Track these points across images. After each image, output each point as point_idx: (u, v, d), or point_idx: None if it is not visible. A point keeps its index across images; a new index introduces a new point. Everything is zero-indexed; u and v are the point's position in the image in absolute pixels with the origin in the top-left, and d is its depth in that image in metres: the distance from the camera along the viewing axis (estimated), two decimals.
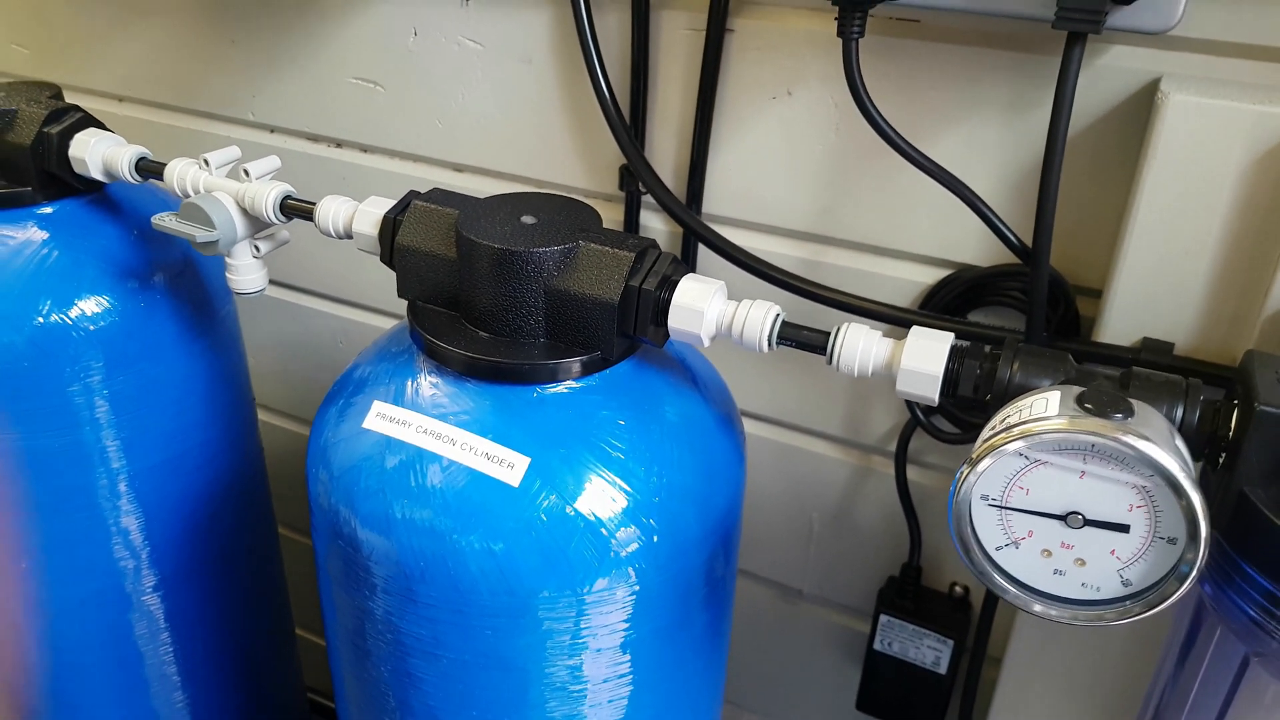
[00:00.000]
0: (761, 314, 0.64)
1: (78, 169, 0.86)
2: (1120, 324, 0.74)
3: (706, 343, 0.66)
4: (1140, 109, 0.71)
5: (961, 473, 0.51)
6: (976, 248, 0.82)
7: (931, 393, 0.60)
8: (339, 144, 1.07)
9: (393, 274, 0.73)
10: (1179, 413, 0.55)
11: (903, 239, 0.85)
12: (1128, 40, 0.71)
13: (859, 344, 0.62)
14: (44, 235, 0.88)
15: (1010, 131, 0.77)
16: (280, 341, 1.23)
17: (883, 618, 0.97)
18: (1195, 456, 0.55)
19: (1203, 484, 0.54)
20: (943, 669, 0.96)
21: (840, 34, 0.66)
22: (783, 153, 0.86)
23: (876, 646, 0.98)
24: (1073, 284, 0.79)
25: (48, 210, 0.89)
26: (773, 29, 0.82)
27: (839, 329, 0.63)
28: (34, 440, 0.90)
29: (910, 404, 0.88)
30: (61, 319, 0.87)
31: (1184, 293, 0.71)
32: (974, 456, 0.51)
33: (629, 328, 0.66)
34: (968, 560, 0.53)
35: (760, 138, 0.86)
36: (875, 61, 0.78)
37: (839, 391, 0.93)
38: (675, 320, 0.65)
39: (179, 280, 0.94)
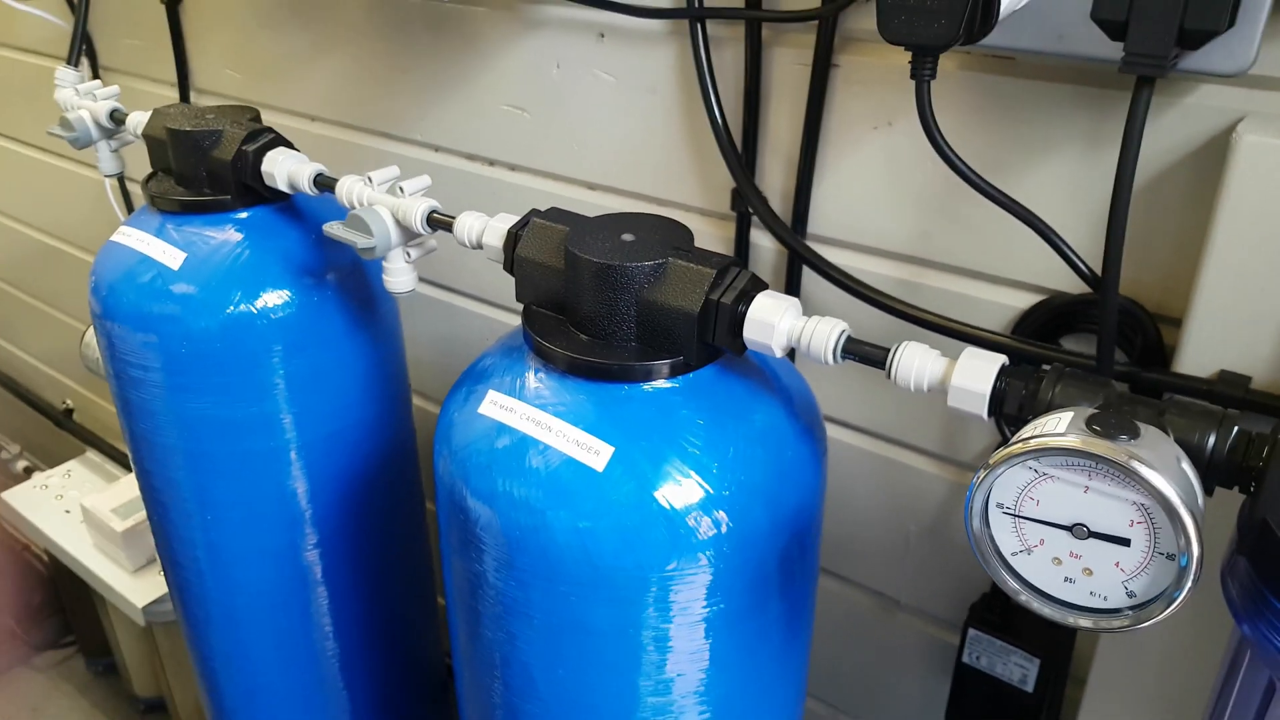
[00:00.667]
0: (828, 329, 0.71)
1: (268, 182, 1.01)
2: (1199, 356, 0.75)
3: (779, 353, 0.73)
4: (1223, 145, 0.73)
5: (977, 477, 0.56)
6: (1068, 275, 0.85)
7: (979, 409, 0.65)
8: (491, 163, 1.19)
9: None
10: (1209, 440, 0.58)
11: (997, 264, 0.89)
12: (1212, 79, 0.73)
13: (915, 361, 0.68)
14: (239, 237, 1.04)
15: (1093, 165, 0.79)
16: (436, 336, 1.36)
17: (971, 632, 0.99)
18: (1226, 485, 0.58)
19: (1240, 513, 0.57)
20: (1029, 686, 0.98)
21: (913, 76, 0.71)
22: (883, 179, 0.91)
23: (965, 660, 1.01)
24: (1159, 314, 0.81)
25: (242, 216, 1.05)
26: (874, 65, 0.88)
27: (897, 346, 0.69)
28: (223, 410, 1.06)
29: (999, 423, 0.91)
30: (249, 309, 1.02)
31: (1261, 328, 0.72)
32: (989, 463, 0.55)
33: (708, 336, 0.74)
34: (982, 561, 0.58)
35: (862, 165, 0.92)
36: (969, 96, 0.82)
37: (937, 410, 0.97)
38: (749, 332, 0.73)
39: (348, 280, 1.08)
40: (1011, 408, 0.64)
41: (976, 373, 0.65)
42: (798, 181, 0.95)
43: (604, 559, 0.73)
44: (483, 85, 1.15)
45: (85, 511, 1.87)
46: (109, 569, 1.85)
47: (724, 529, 0.74)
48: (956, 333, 0.85)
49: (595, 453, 0.73)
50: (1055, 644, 0.96)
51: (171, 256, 1.02)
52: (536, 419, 0.76)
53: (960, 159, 0.74)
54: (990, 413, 0.64)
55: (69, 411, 2.28)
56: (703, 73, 0.94)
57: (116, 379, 1.11)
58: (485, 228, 0.86)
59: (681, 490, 0.73)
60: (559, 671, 0.80)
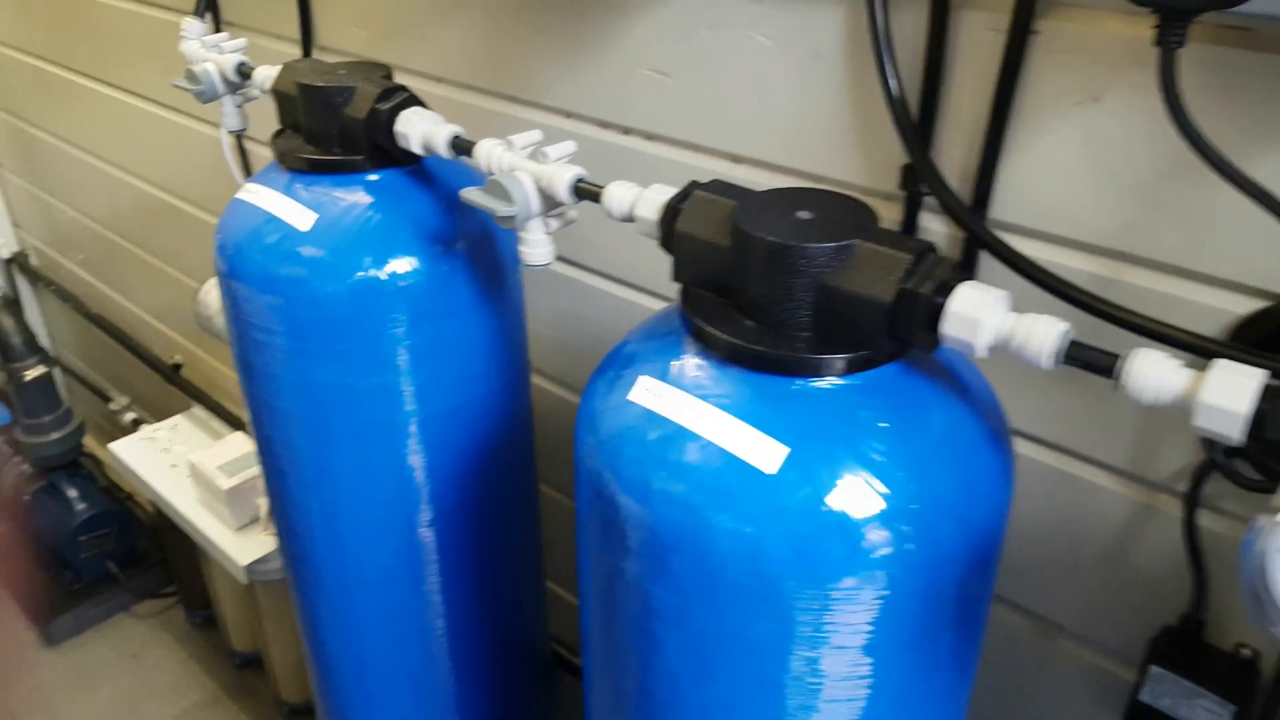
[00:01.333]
0: (1047, 328, 0.62)
1: (400, 143, 0.96)
2: None
3: (981, 353, 0.65)
4: None
5: (1261, 523, 0.47)
6: None
7: (1234, 431, 0.56)
8: (626, 131, 1.12)
9: (665, 258, 0.77)
10: None
11: (1213, 262, 0.79)
12: None
13: (1152, 371, 0.59)
14: (369, 200, 0.99)
15: None
16: (557, 312, 1.31)
17: (1154, 669, 0.89)
18: None
19: None
20: None
21: (1158, 43, 0.61)
22: (1084, 161, 0.82)
23: (1143, 699, 0.91)
24: None
25: (373, 178, 1.00)
26: (1082, 32, 0.78)
27: (1131, 353, 0.60)
28: (347, 378, 1.02)
29: (1208, 443, 0.81)
30: (378, 275, 0.97)
31: None
32: (1276, 506, 0.47)
33: (899, 330, 0.66)
34: (1260, 621, 0.49)
35: (1059, 144, 0.82)
36: (1195, 71, 0.72)
37: (1126, 420, 0.87)
38: (949, 327, 0.64)
39: (477, 249, 1.03)
40: (1275, 433, 0.55)
41: (1232, 389, 0.56)
42: (981, 161, 0.86)
43: (772, 569, 0.66)
44: (623, 47, 1.07)
45: (192, 467, 1.88)
46: (213, 525, 1.86)
47: (908, 546, 0.66)
48: (1168, 338, 0.74)
49: (767, 452, 0.66)
50: (1254, 691, 0.86)
51: (302, 217, 0.98)
52: (697, 410, 0.69)
53: (1206, 139, 0.65)
54: (1247, 436, 0.55)
55: (177, 367, 2.30)
56: (877, 38, 0.85)
57: (239, 341, 1.08)
58: (639, 199, 0.79)
59: (862, 500, 0.65)
60: (709, 686, 0.73)
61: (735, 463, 0.67)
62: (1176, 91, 0.64)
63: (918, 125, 0.87)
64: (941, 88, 0.86)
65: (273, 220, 1.00)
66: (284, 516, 1.20)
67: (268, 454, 1.15)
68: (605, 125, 1.14)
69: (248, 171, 1.68)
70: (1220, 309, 0.79)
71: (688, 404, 0.70)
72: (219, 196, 1.85)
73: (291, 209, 0.99)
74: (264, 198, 1.01)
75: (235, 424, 2.05)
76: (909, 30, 0.86)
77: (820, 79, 0.93)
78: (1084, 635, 0.97)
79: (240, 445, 1.90)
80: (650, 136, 1.10)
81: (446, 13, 1.23)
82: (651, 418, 0.71)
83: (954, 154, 0.88)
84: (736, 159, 1.04)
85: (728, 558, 0.67)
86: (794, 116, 0.97)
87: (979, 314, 0.63)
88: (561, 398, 1.38)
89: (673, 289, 0.77)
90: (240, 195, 1.05)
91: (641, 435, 0.71)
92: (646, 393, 0.73)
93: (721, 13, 0.98)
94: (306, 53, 1.42)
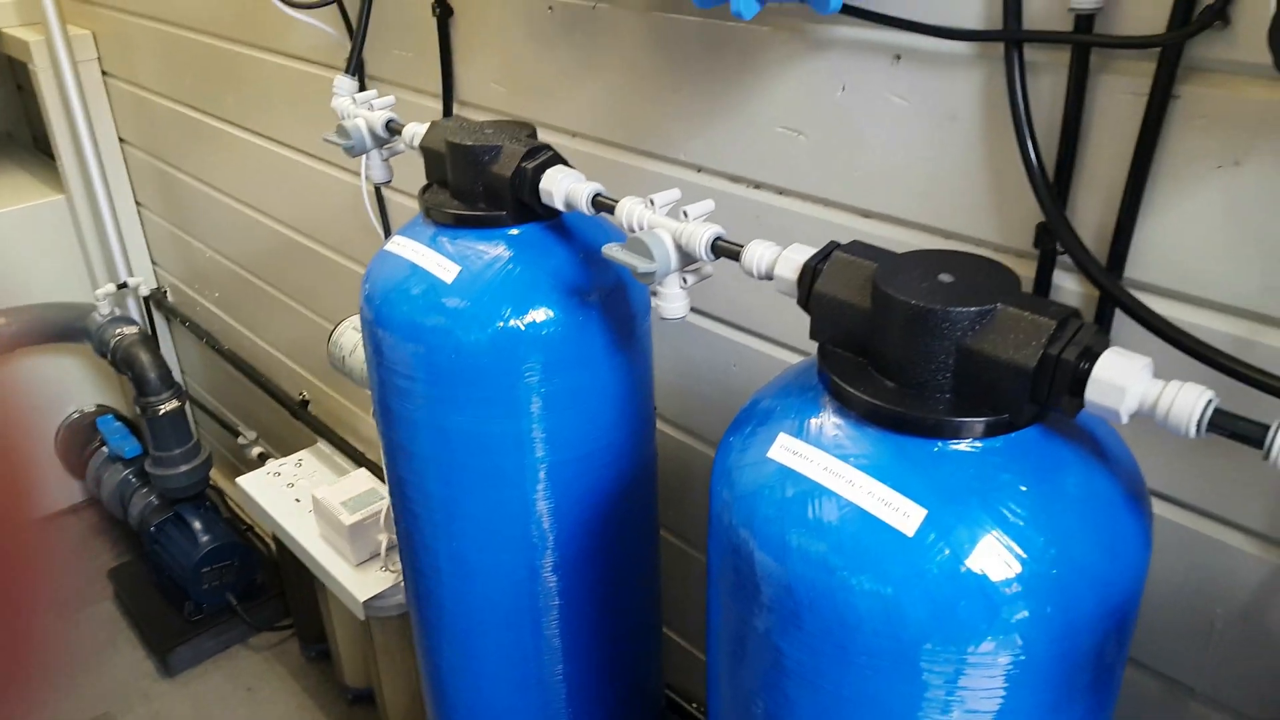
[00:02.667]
0: (1193, 398, 0.62)
1: (544, 199, 1.00)
2: None
3: (1125, 419, 0.65)
4: None
5: None
6: None
7: None
8: (757, 186, 1.15)
9: (795, 308, 0.79)
10: None
11: None
12: None
13: None
14: (510, 253, 1.04)
15: None
16: (681, 359, 1.33)
17: None
18: None
19: None
20: None
21: None
22: (1223, 224, 0.81)
23: None
24: None
25: (515, 232, 1.05)
26: (1223, 97, 0.78)
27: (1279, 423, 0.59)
28: (483, 425, 1.06)
29: None
30: (517, 324, 1.01)
31: None
32: None
33: (1042, 395, 0.66)
34: None
35: (1199, 206, 0.82)
36: None
37: (1265, 481, 0.86)
38: (1094, 394, 0.65)
39: (610, 300, 1.06)
40: None
41: None
42: (1118, 221, 0.86)
43: (908, 631, 0.67)
44: (757, 106, 1.10)
45: (315, 502, 1.95)
46: (333, 560, 1.92)
47: (1047, 610, 0.66)
48: None
49: (905, 514, 0.67)
50: None
51: (446, 269, 1.03)
52: (836, 470, 0.71)
53: None
54: None
55: (305, 402, 2.40)
56: (1016, 100, 0.86)
57: (380, 386, 1.13)
58: (778, 258, 0.82)
59: (1001, 563, 0.65)
60: None
61: (874, 523, 0.68)
62: None
63: (1054, 184, 0.87)
64: (1079, 148, 0.87)
65: (418, 271, 1.05)
66: (412, 557, 1.24)
67: (400, 495, 1.20)
68: (736, 179, 1.17)
69: (385, 220, 1.76)
70: None
71: (827, 463, 0.71)
72: (355, 241, 1.95)
73: (437, 261, 1.04)
74: (411, 250, 1.07)
75: (359, 460, 2.13)
76: (1046, 93, 0.87)
77: (955, 138, 0.95)
78: (1216, 699, 0.95)
79: (363, 482, 1.97)
80: (781, 191, 1.13)
81: (584, 71, 1.29)
82: (790, 475, 0.73)
83: (1090, 214, 0.88)
84: (866, 214, 1.06)
85: (864, 618, 0.68)
86: (927, 174, 0.98)
87: (1125, 381, 0.64)
88: (681, 442, 1.40)
89: (797, 339, 0.78)
90: (388, 247, 1.11)
91: (779, 492, 0.73)
92: (784, 450, 0.74)
93: (858, 74, 1.00)
94: (447, 107, 1.49)
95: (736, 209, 1.16)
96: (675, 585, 1.41)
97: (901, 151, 0.99)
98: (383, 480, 1.96)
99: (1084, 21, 0.81)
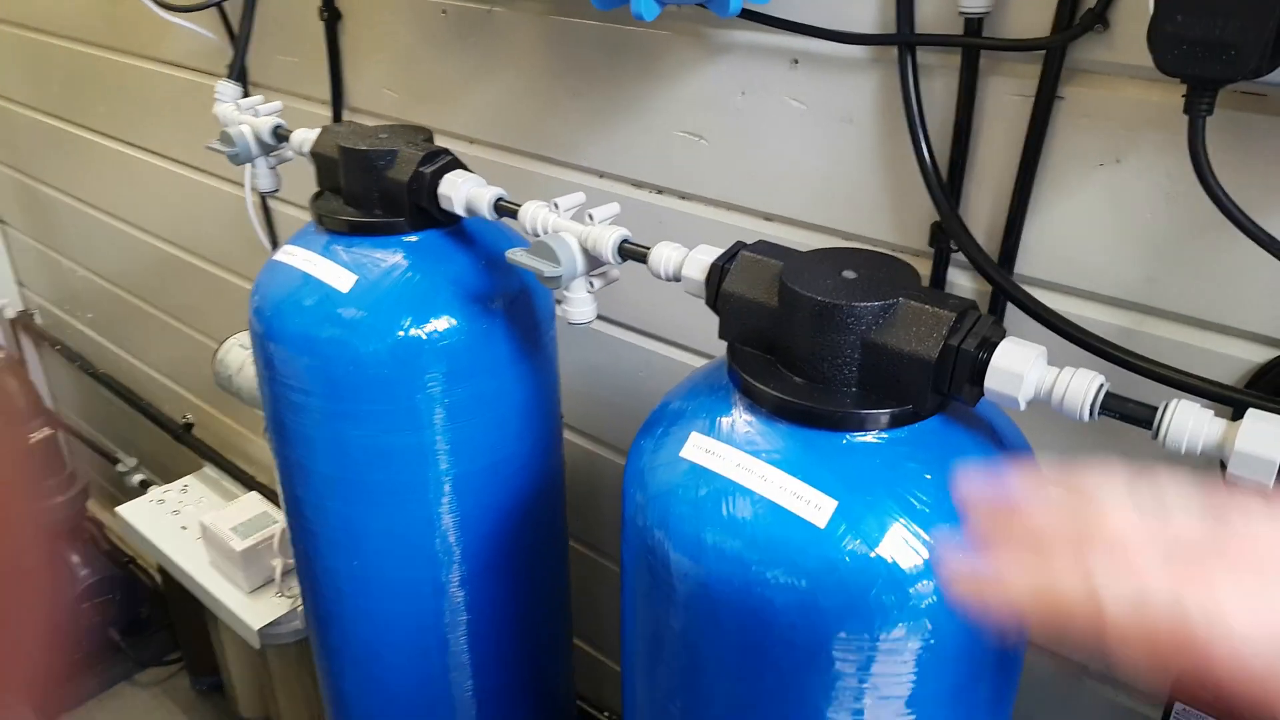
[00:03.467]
0: (1085, 383, 0.64)
1: (444, 205, 0.98)
2: None
3: (1023, 406, 0.67)
4: None
5: None
6: None
7: (1267, 478, 0.58)
8: (659, 190, 1.15)
9: (701, 313, 0.79)
10: None
11: (1232, 314, 0.81)
12: None
13: (1189, 422, 0.61)
14: (409, 261, 1.01)
15: None
16: (588, 366, 1.33)
17: (1177, 706, 0.91)
18: None
19: None
20: None
21: (1187, 111, 0.65)
22: (1107, 219, 0.85)
23: None
24: None
25: (413, 239, 1.03)
26: (1106, 98, 0.82)
27: (1168, 405, 0.62)
28: (384, 437, 1.03)
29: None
30: (418, 334, 0.99)
31: None
32: None
33: (944, 385, 0.68)
34: None
35: (1083, 203, 0.85)
36: (1214, 134, 0.76)
37: (1150, 463, 0.89)
38: (992, 382, 0.67)
39: (514, 306, 1.05)
40: None
41: (1266, 438, 0.59)
42: (1008, 219, 0.89)
43: (823, 621, 0.67)
44: (658, 110, 1.11)
45: (204, 529, 1.87)
46: (225, 588, 1.84)
47: None
48: (1190, 387, 0.77)
49: (817, 507, 0.68)
50: None
51: (341, 278, 1.00)
52: (749, 466, 0.71)
53: (1231, 199, 0.68)
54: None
55: (189, 426, 2.30)
56: (910, 102, 0.88)
57: (273, 402, 1.09)
58: (685, 259, 0.82)
59: (910, 550, 0.67)
60: None
61: (786, 516, 0.68)
62: (1205, 155, 0.67)
63: (947, 185, 0.90)
64: (970, 149, 0.90)
65: (312, 281, 1.01)
66: (311, 579, 1.20)
67: (297, 516, 1.16)
68: (639, 185, 1.17)
69: (272, 231, 1.71)
70: (1239, 358, 0.82)
71: (739, 460, 0.71)
72: (238, 255, 1.88)
73: (331, 270, 1.01)
74: (303, 259, 1.04)
75: (249, 484, 2.05)
76: (939, 95, 0.90)
77: (851, 141, 0.97)
78: (1109, 675, 0.98)
79: (254, 505, 1.90)
80: (684, 196, 1.13)
81: (479, 76, 1.27)
82: (703, 473, 0.73)
83: (981, 213, 0.91)
84: (768, 217, 1.07)
85: (780, 610, 0.68)
86: (825, 176, 1.00)
87: (1021, 369, 0.66)
88: (590, 451, 1.39)
89: (704, 342, 0.79)
90: (278, 257, 1.07)
91: (693, 491, 0.73)
92: (698, 449, 0.74)
93: (758, 78, 1.01)
94: (337, 115, 1.46)
95: (640, 214, 1.16)
96: (585, 595, 1.40)
97: (801, 154, 1.01)
98: (276, 504, 1.89)
99: (973, 24, 0.84)
